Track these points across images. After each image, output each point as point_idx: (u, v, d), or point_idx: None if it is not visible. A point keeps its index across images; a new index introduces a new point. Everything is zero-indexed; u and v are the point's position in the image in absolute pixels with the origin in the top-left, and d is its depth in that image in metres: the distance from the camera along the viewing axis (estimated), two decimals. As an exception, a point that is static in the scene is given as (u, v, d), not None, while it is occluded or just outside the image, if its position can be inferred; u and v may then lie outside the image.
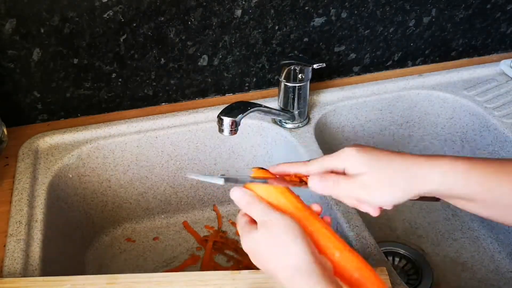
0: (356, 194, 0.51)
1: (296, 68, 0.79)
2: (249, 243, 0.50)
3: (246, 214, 0.52)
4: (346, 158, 0.51)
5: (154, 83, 0.86)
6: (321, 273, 0.46)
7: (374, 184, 0.50)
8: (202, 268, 0.84)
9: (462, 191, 0.50)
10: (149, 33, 0.80)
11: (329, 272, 0.48)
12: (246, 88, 0.93)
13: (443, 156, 0.51)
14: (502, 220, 0.52)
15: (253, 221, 0.51)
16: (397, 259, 0.87)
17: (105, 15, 0.76)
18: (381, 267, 0.61)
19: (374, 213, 0.53)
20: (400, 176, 0.50)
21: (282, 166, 0.55)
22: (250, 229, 0.50)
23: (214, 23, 0.82)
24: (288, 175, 0.54)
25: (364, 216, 0.63)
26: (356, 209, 0.70)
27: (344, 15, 0.88)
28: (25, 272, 0.62)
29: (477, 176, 0.50)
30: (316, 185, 0.52)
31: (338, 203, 0.71)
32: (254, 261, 0.51)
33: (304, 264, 0.46)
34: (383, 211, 0.54)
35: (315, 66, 0.78)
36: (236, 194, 0.52)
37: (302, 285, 0.46)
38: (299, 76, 0.79)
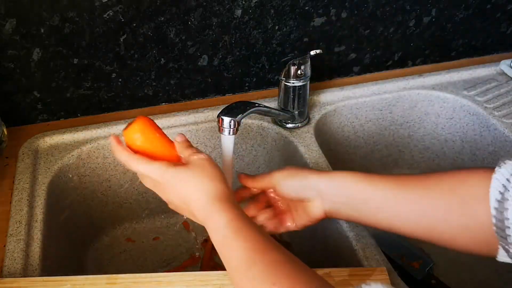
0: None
1: (295, 62, 0.78)
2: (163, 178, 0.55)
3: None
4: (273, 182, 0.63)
5: (154, 83, 0.86)
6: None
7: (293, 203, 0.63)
8: (202, 268, 0.84)
9: (352, 198, 0.58)
10: (149, 33, 0.80)
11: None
12: (246, 88, 0.93)
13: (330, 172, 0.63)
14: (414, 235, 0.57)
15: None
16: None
17: (105, 15, 0.76)
18: (381, 267, 0.61)
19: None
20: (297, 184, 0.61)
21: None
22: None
23: (214, 23, 0.82)
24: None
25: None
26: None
27: (344, 15, 0.88)
28: (25, 272, 0.62)
29: (352, 182, 0.58)
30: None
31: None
32: (161, 193, 0.58)
33: (219, 192, 0.53)
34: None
35: (311, 52, 0.78)
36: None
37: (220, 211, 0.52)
38: (298, 71, 0.79)
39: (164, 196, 0.58)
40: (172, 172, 0.54)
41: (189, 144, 0.59)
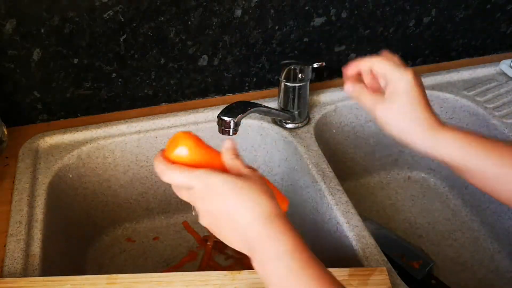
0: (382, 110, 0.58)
1: (296, 68, 0.79)
2: (208, 211, 0.48)
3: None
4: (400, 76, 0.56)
5: (154, 83, 0.86)
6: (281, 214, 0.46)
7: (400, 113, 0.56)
8: (202, 268, 0.84)
9: (460, 160, 0.54)
10: (149, 33, 0.80)
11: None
12: (246, 88, 0.93)
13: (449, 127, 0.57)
14: (489, 192, 0.55)
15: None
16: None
17: (105, 15, 0.76)
18: (381, 267, 0.61)
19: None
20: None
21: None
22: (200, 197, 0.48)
23: (214, 23, 0.82)
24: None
25: (364, 216, 0.63)
26: (356, 209, 0.71)
27: (344, 15, 0.88)
28: (25, 272, 0.62)
29: (472, 147, 0.54)
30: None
31: (338, 203, 0.71)
32: (199, 201, 0.49)
33: (271, 210, 0.46)
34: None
35: (314, 65, 0.79)
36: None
37: (275, 232, 0.44)
38: (299, 76, 0.80)
39: (202, 206, 0.48)
40: (222, 179, 0.47)
41: (237, 154, 0.52)
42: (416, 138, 0.56)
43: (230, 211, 0.46)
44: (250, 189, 0.46)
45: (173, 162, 0.50)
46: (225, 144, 0.52)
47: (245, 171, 0.49)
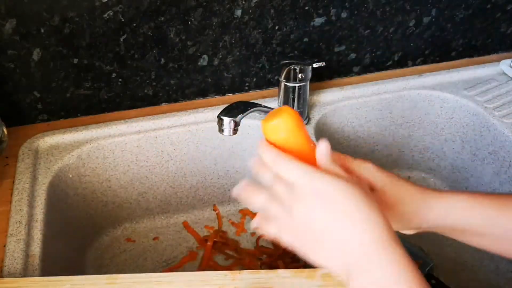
0: None
1: (296, 68, 0.79)
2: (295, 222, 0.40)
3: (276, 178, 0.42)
4: (364, 170, 0.49)
5: (154, 83, 0.86)
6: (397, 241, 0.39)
7: (383, 205, 0.47)
8: (202, 268, 0.84)
9: (466, 223, 0.49)
10: (149, 33, 0.80)
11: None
12: (246, 88, 0.93)
13: (446, 191, 0.51)
14: (508, 255, 0.51)
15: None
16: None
17: (105, 15, 0.76)
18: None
19: None
20: (411, 200, 0.48)
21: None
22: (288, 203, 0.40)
23: (214, 23, 0.82)
24: None
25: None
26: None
27: (344, 15, 0.88)
28: (25, 272, 0.62)
29: (481, 209, 0.49)
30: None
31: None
32: (302, 249, 0.41)
33: (381, 235, 0.38)
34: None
35: (314, 65, 0.78)
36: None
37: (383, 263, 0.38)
38: (299, 76, 0.79)
39: (299, 210, 0.41)
40: (338, 183, 0.40)
41: (335, 158, 0.44)
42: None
43: (338, 226, 0.39)
44: (366, 204, 0.39)
45: (270, 138, 0.44)
46: (320, 147, 0.44)
47: (355, 179, 0.43)
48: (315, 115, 0.88)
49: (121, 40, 0.79)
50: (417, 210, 0.49)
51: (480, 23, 0.98)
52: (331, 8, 0.86)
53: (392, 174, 0.50)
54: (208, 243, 0.87)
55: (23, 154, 0.79)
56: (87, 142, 0.82)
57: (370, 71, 0.98)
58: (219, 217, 0.93)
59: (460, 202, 0.49)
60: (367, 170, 0.49)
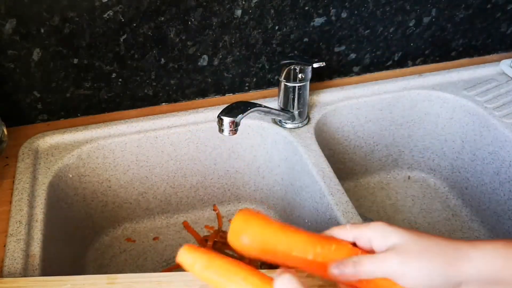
0: (385, 271, 0.44)
1: (296, 68, 0.79)
2: None
3: None
4: (374, 227, 0.46)
5: (154, 83, 0.86)
6: None
7: (412, 255, 0.44)
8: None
9: (502, 274, 0.45)
10: (149, 33, 0.80)
11: None
12: (246, 88, 0.93)
13: (480, 240, 0.47)
14: None
15: None
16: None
17: (105, 15, 0.76)
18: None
19: None
20: (439, 251, 0.44)
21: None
22: None
23: (214, 23, 0.82)
24: None
25: (364, 216, 0.63)
26: (356, 209, 0.71)
27: (344, 15, 0.88)
28: (25, 272, 0.62)
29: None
30: (334, 272, 0.46)
31: (338, 203, 0.71)
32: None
33: None
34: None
35: (315, 65, 0.78)
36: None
37: None
38: (299, 76, 0.80)
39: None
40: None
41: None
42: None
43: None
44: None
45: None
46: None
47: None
48: (315, 115, 0.88)
49: (121, 40, 0.80)
50: (449, 262, 0.45)
51: (480, 23, 0.98)
52: (331, 8, 0.86)
53: (406, 230, 0.47)
54: (208, 243, 0.87)
55: (23, 154, 0.79)
56: (87, 142, 0.82)
57: (370, 71, 0.98)
58: (219, 217, 0.93)
59: (496, 249, 0.45)
60: (375, 227, 0.47)
